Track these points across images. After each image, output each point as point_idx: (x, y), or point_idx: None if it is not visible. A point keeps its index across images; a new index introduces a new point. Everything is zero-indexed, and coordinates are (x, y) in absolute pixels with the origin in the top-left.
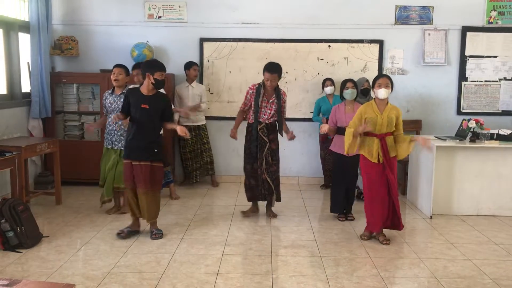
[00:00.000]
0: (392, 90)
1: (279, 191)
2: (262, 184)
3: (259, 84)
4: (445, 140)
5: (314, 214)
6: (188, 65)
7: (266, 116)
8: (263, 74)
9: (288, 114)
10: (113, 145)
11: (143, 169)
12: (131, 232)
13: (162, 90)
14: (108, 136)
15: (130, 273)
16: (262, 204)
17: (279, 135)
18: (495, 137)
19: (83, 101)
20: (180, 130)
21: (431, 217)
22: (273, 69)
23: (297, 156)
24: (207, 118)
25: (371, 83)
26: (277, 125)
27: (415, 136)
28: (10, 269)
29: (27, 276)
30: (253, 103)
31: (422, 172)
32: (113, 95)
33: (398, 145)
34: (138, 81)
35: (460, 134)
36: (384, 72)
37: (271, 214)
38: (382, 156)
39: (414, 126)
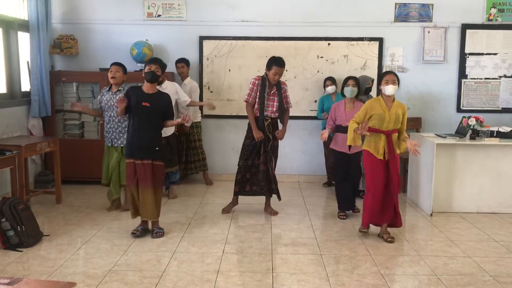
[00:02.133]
0: (398, 86)
1: (278, 189)
2: (265, 180)
3: (262, 76)
4: (445, 137)
5: (315, 212)
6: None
7: (271, 109)
8: (270, 68)
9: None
10: (113, 143)
11: (146, 168)
12: (144, 230)
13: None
14: (107, 134)
15: (131, 271)
16: (259, 202)
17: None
18: (495, 135)
19: (83, 100)
20: (183, 119)
21: (431, 215)
22: (281, 63)
23: (297, 154)
24: (207, 116)
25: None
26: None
27: (406, 140)
28: (10, 268)
29: (28, 275)
30: (258, 95)
31: (422, 170)
32: (110, 93)
33: (400, 142)
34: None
35: (460, 132)
36: (386, 70)
37: (272, 212)
38: (388, 153)
39: (414, 124)
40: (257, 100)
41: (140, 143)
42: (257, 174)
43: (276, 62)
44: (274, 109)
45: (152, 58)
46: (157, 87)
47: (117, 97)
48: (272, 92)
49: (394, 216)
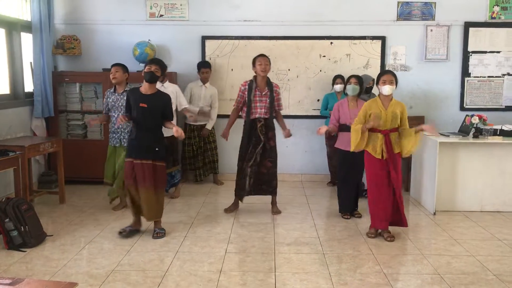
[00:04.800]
0: (396, 86)
1: (274, 186)
2: (249, 180)
3: (251, 80)
4: (448, 136)
5: (317, 211)
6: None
7: (262, 110)
8: (255, 64)
9: (290, 111)
10: (122, 143)
11: (145, 168)
12: (132, 231)
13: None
14: (114, 134)
15: (134, 271)
16: (262, 201)
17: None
18: (498, 133)
19: (86, 100)
20: (176, 132)
21: (434, 214)
22: (263, 54)
23: (300, 153)
24: None
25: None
26: (276, 119)
27: (419, 126)
28: (14, 268)
29: (31, 275)
30: (245, 100)
31: (425, 169)
32: (116, 94)
33: (405, 140)
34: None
35: (463, 130)
36: (386, 69)
37: (275, 211)
38: (385, 152)
39: (417, 123)
40: (244, 104)
41: (139, 143)
42: (255, 174)
43: (258, 55)
44: (265, 110)
45: (153, 59)
46: (160, 84)
47: (120, 115)
48: (263, 93)
49: (397, 215)
